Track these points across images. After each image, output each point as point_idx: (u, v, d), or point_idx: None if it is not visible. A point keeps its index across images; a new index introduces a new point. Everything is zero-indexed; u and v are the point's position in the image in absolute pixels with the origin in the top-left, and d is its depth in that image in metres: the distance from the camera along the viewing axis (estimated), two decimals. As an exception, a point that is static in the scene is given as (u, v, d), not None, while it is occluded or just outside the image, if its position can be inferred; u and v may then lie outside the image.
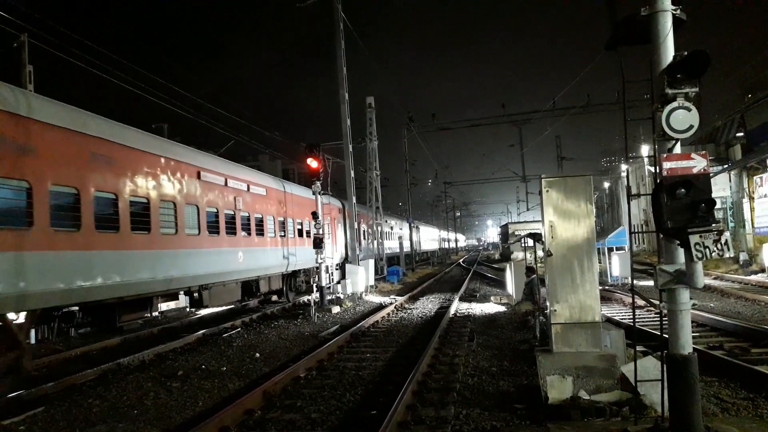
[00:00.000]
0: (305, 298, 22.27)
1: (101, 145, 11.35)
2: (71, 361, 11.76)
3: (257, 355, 11.84)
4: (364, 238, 34.34)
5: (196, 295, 15.07)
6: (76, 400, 8.66)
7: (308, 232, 22.84)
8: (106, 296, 11.26)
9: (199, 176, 14.91)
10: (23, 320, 9.55)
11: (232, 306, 19.31)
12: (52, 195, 9.89)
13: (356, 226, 28.33)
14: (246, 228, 17.71)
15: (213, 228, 15.56)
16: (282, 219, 20.98)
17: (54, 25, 13.55)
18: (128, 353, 11.69)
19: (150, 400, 8.63)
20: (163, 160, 13.42)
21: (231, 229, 16.59)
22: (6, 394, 8.61)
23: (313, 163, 19.94)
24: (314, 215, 19.78)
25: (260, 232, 18.84)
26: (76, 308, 11.27)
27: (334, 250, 25.70)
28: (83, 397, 8.86)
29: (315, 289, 20.06)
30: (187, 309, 16.80)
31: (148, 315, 13.43)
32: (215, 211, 15.68)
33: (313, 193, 20.21)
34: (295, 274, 22.51)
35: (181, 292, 14.61)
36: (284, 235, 21.02)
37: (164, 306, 14.60)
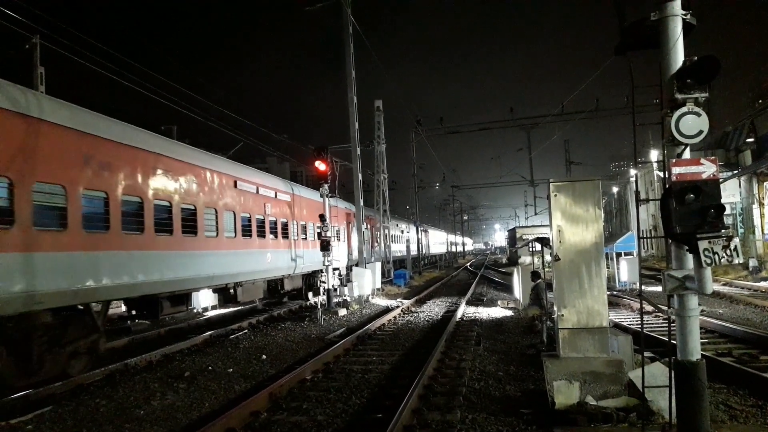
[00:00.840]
0: (312, 300, 22.31)
1: (160, 160, 12.61)
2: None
3: (264, 356, 11.86)
4: (374, 241, 34.35)
5: (231, 291, 16.45)
6: (84, 400, 8.71)
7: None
8: (161, 290, 12.49)
9: (235, 185, 16.17)
10: (100, 309, 11.02)
11: (242, 307, 19.67)
12: (122, 203, 11.23)
13: (364, 229, 28.34)
14: (273, 231, 18.84)
15: (246, 231, 16.76)
16: (303, 223, 22.05)
17: (64, 26, 13.68)
18: (135, 354, 11.74)
19: (157, 401, 8.66)
20: (207, 171, 14.72)
21: (261, 232, 17.80)
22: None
23: (321, 166, 20.01)
24: (321, 218, 19.83)
25: (285, 235, 19.91)
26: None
27: (348, 253, 26.40)
28: (90, 397, 8.91)
29: (322, 291, 20.09)
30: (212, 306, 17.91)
31: (188, 309, 14.92)
32: (248, 216, 16.98)
33: (321, 196, 20.31)
34: (314, 274, 23.16)
35: (210, 290, 15.76)
36: (305, 238, 22.13)
37: (202, 301, 15.96)
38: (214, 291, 16.06)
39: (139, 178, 11.80)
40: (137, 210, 11.72)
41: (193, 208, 13.86)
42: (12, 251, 8.61)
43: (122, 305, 12.94)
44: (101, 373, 10.33)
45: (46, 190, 9.39)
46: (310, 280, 23.06)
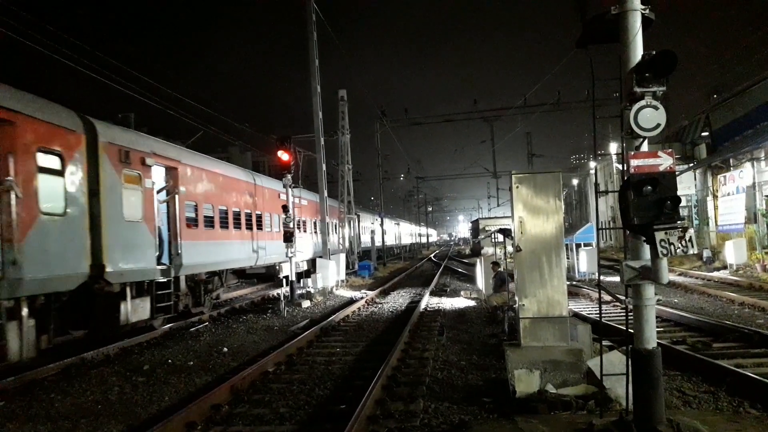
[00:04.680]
0: (275, 292, 22.16)
1: (232, 181, 19.31)
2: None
3: (225, 349, 11.72)
4: (335, 232, 34.25)
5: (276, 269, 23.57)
6: (37, 395, 8.47)
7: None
8: (229, 267, 19.19)
9: (279, 196, 22.34)
10: (205, 277, 16.86)
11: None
12: (215, 210, 17.55)
13: (328, 221, 28.24)
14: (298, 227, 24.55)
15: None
16: (314, 220, 28.99)
17: (15, 9, 13.16)
18: (92, 347, 11.43)
19: (114, 395, 8.47)
20: (253, 186, 21.00)
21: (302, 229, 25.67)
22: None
23: (284, 155, 19.80)
24: (284, 209, 19.67)
25: (305, 229, 27.03)
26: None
27: (314, 245, 28.94)
28: (45, 392, 8.67)
29: (285, 283, 19.96)
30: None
31: (223, 284, 19.37)
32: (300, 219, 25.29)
33: (284, 186, 20.12)
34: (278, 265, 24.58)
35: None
36: (315, 231, 29.32)
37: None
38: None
39: (220, 193, 18.07)
40: (217, 214, 17.62)
41: (248, 212, 20.20)
42: (197, 240, 15.82)
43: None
44: (56, 367, 10.03)
45: (208, 207, 16.98)
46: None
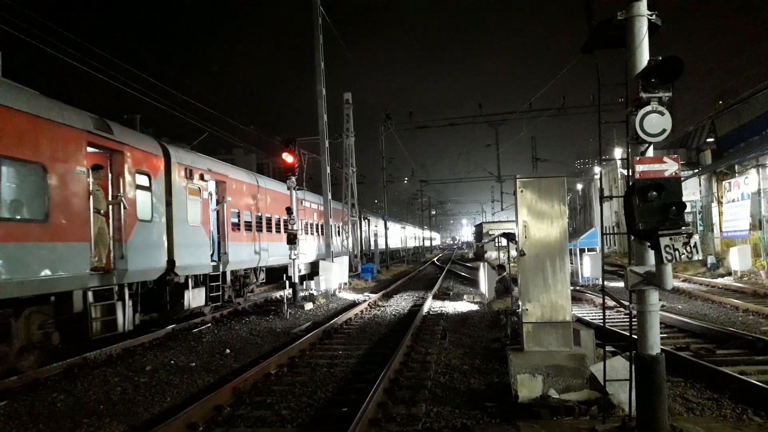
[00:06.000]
0: (278, 294, 22.17)
1: (265, 191, 21.92)
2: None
3: (227, 351, 11.72)
4: (338, 235, 34.25)
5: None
6: (40, 395, 8.48)
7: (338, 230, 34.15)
8: (261, 265, 21.43)
9: (302, 203, 25.27)
10: (243, 273, 20.00)
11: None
12: (253, 216, 20.44)
13: (331, 223, 28.24)
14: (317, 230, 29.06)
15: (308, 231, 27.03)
16: (318, 223, 29.93)
17: (23, 9, 13.24)
18: (95, 347, 11.45)
19: (117, 396, 8.48)
20: (281, 194, 23.00)
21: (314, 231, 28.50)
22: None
23: (288, 158, 19.83)
24: (288, 211, 19.69)
25: (310, 231, 28.47)
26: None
27: (318, 247, 29.73)
28: (48, 391, 8.68)
29: (288, 285, 19.97)
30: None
31: (257, 280, 21.89)
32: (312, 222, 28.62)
33: (288, 188, 20.15)
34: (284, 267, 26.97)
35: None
36: (320, 233, 30.22)
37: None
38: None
39: (256, 202, 20.87)
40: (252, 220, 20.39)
41: (278, 217, 22.82)
42: (239, 241, 18.79)
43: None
44: (59, 367, 10.05)
45: (247, 213, 19.98)
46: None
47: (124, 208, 12.07)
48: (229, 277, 18.28)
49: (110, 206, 12.04)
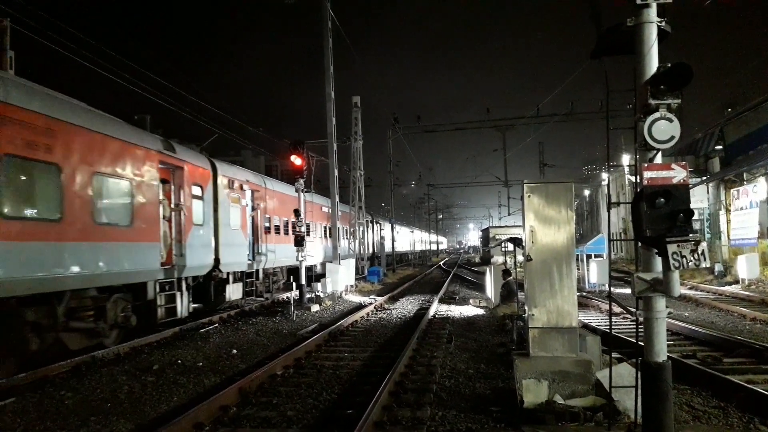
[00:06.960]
0: (285, 296, 22.23)
1: (290, 198, 23.02)
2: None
3: (234, 351, 11.77)
4: (345, 237, 34.32)
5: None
6: (48, 392, 8.54)
7: (346, 232, 35.54)
8: (286, 265, 23.74)
9: (321, 209, 28.68)
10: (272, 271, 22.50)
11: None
12: (281, 221, 22.94)
13: (339, 225, 28.30)
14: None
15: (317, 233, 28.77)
16: (326, 225, 31.26)
17: (38, 11, 13.41)
18: (103, 346, 11.54)
19: (124, 394, 8.53)
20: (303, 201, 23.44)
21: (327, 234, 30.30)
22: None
23: (297, 160, 19.90)
24: (296, 213, 19.76)
25: (320, 234, 29.89)
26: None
27: (324, 249, 30.47)
28: (55, 389, 8.74)
29: (295, 286, 20.03)
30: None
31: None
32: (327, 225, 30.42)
33: (296, 191, 20.23)
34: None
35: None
36: (327, 236, 32.02)
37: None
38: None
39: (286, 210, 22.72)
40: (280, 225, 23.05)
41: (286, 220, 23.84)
42: (270, 243, 21.06)
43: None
44: (67, 365, 10.13)
45: (276, 218, 22.11)
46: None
47: (184, 214, 14.62)
48: (261, 275, 20.74)
49: (172, 212, 14.49)
